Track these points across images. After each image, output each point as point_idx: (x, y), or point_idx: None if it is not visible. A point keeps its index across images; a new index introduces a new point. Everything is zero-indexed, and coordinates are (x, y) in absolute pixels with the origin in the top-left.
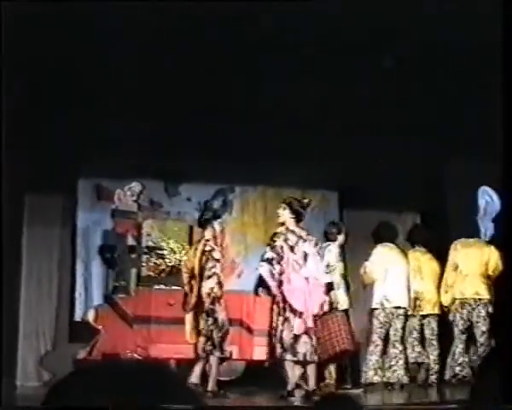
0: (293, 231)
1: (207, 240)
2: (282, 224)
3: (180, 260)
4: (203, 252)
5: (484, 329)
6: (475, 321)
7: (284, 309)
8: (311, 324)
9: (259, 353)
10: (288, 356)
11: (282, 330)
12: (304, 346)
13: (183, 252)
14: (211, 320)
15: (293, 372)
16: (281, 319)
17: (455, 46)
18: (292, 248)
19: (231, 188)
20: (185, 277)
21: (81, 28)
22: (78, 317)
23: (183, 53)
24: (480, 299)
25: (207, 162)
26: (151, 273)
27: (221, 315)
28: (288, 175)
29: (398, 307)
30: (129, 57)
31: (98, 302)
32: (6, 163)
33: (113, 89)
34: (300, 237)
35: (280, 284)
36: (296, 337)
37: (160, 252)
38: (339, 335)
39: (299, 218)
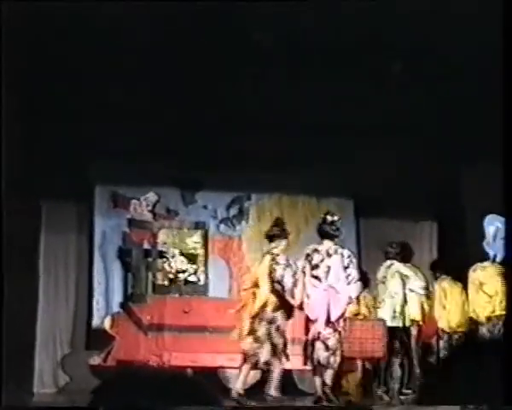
0: (316, 250)
1: (277, 254)
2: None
3: (195, 269)
4: (271, 264)
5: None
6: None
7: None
8: (325, 333)
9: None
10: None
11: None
12: (318, 352)
13: (198, 260)
14: (274, 328)
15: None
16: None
17: (472, 55)
18: (315, 266)
19: (247, 196)
20: (247, 286)
21: (93, 36)
22: (95, 324)
23: (200, 63)
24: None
25: (224, 170)
26: (166, 281)
27: (282, 323)
28: (303, 183)
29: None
30: (147, 66)
31: (115, 309)
32: (23, 171)
33: (130, 97)
34: (327, 253)
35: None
36: (312, 344)
37: (175, 260)
38: (370, 341)
39: (325, 237)
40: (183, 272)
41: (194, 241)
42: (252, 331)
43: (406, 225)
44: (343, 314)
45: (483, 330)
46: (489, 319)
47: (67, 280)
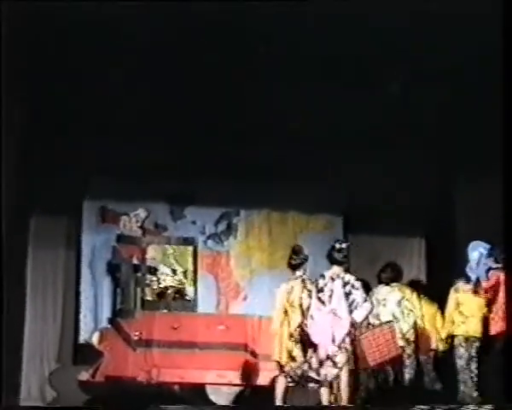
0: (323, 275)
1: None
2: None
3: (184, 284)
4: (303, 287)
5: None
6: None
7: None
8: (331, 352)
9: (264, 378)
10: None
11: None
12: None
13: (188, 276)
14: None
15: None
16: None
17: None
18: (320, 290)
19: (236, 211)
20: (280, 308)
21: (92, 46)
22: (82, 339)
23: (189, 78)
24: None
25: (212, 185)
26: (155, 297)
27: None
28: (293, 199)
29: None
30: (135, 80)
31: (103, 325)
32: (11, 185)
33: (119, 112)
34: (331, 278)
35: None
36: (321, 362)
37: (164, 276)
38: (385, 345)
39: (333, 263)
40: (172, 287)
41: (183, 257)
42: (289, 352)
43: (396, 242)
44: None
45: (460, 349)
46: (466, 339)
47: (55, 295)
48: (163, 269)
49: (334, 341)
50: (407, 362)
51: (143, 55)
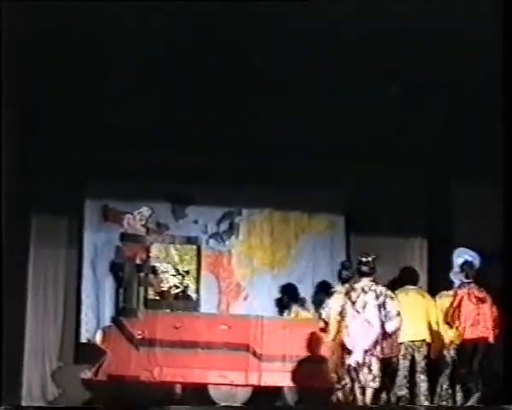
0: (353, 288)
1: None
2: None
3: (187, 284)
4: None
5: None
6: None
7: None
8: (367, 358)
9: (267, 379)
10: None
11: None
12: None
13: (191, 275)
14: None
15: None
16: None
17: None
18: (353, 303)
19: (238, 211)
20: (334, 317)
21: (92, 46)
22: (84, 338)
23: (191, 78)
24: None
25: (215, 185)
26: (158, 296)
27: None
28: (294, 199)
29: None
30: (138, 82)
31: (106, 324)
32: (13, 184)
33: (121, 111)
34: (363, 290)
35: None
36: (357, 367)
37: (167, 275)
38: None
39: (362, 275)
40: (175, 287)
41: (186, 256)
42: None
43: (397, 242)
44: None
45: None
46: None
47: (56, 294)
48: (166, 268)
49: (369, 349)
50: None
51: (145, 56)
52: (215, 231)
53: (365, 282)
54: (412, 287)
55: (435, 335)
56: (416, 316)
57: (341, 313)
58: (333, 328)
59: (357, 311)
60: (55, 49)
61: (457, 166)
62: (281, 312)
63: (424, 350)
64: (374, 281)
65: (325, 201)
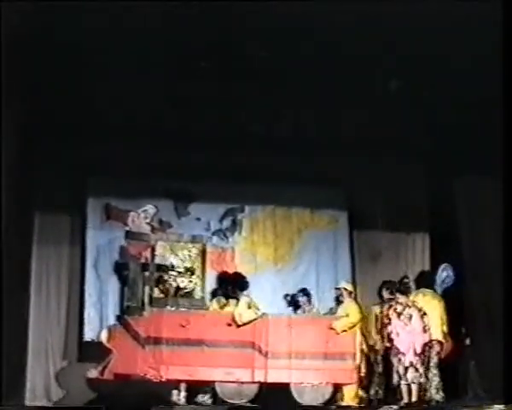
0: (399, 302)
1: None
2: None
3: (192, 282)
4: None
5: None
6: None
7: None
8: (414, 360)
9: (273, 375)
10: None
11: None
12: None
13: (196, 273)
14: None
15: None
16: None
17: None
18: (399, 314)
19: (241, 207)
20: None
21: (95, 44)
22: (87, 337)
23: (194, 78)
24: None
25: (217, 182)
26: (163, 295)
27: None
28: (297, 195)
29: None
30: (140, 80)
31: (110, 322)
32: (16, 182)
33: (123, 109)
34: (407, 305)
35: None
36: (406, 368)
37: (172, 273)
38: None
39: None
40: (180, 285)
41: (190, 254)
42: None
43: (399, 237)
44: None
45: None
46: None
47: (59, 292)
48: (171, 266)
49: (415, 352)
50: None
51: (146, 53)
52: (218, 228)
53: (405, 299)
54: (428, 290)
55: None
56: (433, 317)
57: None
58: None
59: (405, 322)
60: (56, 48)
61: (460, 162)
62: (294, 310)
63: (437, 348)
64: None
65: (328, 197)
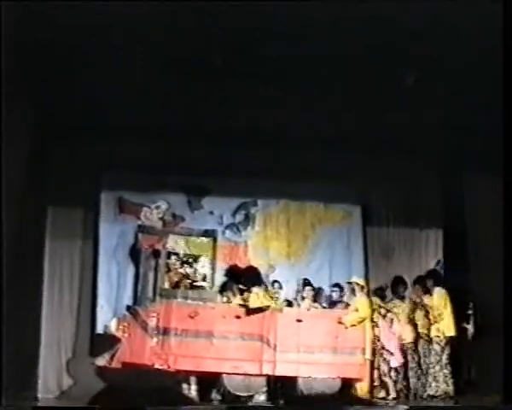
0: (380, 306)
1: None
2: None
3: (202, 274)
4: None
5: None
6: None
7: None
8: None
9: (282, 369)
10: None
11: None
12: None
13: (206, 266)
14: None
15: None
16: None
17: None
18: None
19: (254, 202)
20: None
21: (97, 36)
22: (99, 329)
23: (206, 70)
24: None
25: (230, 176)
26: (173, 287)
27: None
28: (311, 189)
29: None
30: (152, 75)
31: (120, 313)
32: (30, 175)
33: (136, 105)
34: (387, 310)
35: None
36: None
37: (182, 266)
38: None
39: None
40: (191, 277)
41: (202, 247)
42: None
43: (412, 233)
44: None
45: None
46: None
47: (72, 285)
48: (182, 259)
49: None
50: None
51: (158, 49)
52: (231, 222)
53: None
54: (439, 288)
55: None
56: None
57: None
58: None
59: (388, 325)
60: (67, 43)
61: (471, 157)
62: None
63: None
64: None
65: (341, 192)
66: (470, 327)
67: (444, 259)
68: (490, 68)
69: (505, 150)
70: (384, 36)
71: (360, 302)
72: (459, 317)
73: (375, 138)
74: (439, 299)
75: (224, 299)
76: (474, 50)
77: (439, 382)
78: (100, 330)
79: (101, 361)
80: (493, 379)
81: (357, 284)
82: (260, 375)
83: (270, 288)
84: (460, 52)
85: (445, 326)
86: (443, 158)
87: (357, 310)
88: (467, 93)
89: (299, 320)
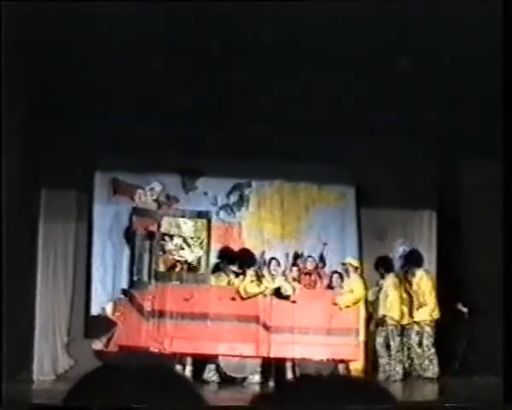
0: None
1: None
2: None
3: (197, 256)
4: None
5: None
6: None
7: None
8: None
9: (276, 350)
10: None
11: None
12: None
13: (201, 248)
14: None
15: None
16: None
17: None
18: None
19: (248, 183)
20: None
21: (93, 32)
22: (94, 311)
23: (199, 54)
24: None
25: (225, 157)
26: (168, 269)
27: None
28: (304, 170)
29: None
30: (146, 57)
31: (117, 296)
32: (23, 157)
33: (130, 85)
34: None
35: None
36: None
37: (177, 248)
38: None
39: None
40: (185, 259)
41: (196, 229)
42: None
43: (406, 214)
44: None
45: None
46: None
47: (66, 267)
48: (176, 241)
49: None
50: None
51: (157, 31)
52: (225, 203)
53: None
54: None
55: None
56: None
57: None
58: None
59: None
60: (65, 23)
61: (468, 139)
62: None
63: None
64: None
65: (335, 172)
66: (465, 310)
67: (438, 242)
68: (490, 56)
69: (505, 133)
70: (385, 15)
71: (355, 283)
72: (452, 300)
73: (371, 120)
74: (424, 283)
75: (219, 280)
76: (474, 40)
77: (424, 363)
78: (95, 312)
79: (98, 345)
80: (485, 360)
81: (351, 265)
82: (256, 357)
83: (266, 267)
84: (460, 42)
85: (430, 310)
86: (440, 140)
87: (351, 291)
88: (465, 79)
89: (293, 302)
